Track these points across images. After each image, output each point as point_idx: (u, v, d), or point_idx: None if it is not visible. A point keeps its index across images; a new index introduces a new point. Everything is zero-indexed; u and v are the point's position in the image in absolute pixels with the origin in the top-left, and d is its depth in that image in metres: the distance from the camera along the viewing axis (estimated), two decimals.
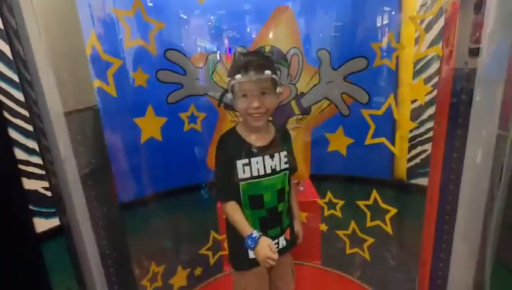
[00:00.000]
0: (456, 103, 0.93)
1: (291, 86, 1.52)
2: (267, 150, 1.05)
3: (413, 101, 1.93)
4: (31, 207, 1.67)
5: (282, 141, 1.11)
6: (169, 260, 1.50)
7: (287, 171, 1.11)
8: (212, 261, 1.65)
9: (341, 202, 1.55)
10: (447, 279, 1.05)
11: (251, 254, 1.08)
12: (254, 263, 1.10)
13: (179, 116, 1.45)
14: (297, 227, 1.23)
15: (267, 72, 0.96)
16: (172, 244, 1.63)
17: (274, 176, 1.07)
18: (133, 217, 1.26)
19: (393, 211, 1.34)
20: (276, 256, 0.98)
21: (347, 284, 1.62)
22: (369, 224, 1.43)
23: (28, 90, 0.91)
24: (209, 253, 1.65)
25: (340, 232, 1.57)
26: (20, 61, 0.90)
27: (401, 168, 2.23)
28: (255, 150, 1.04)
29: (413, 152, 2.16)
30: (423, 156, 2.14)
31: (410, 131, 2.06)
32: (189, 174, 1.93)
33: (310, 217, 1.69)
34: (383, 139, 1.29)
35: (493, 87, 0.85)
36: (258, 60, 0.99)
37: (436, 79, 1.72)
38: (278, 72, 1.03)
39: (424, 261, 1.16)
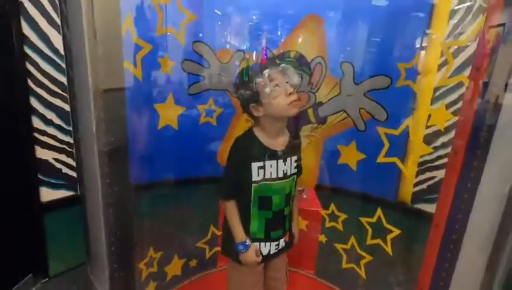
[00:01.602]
0: (477, 135, 0.93)
1: (311, 94, 1.53)
2: (281, 154, 1.07)
3: (427, 127, 1.93)
4: (39, 176, 1.70)
5: (295, 146, 1.13)
6: (167, 247, 1.51)
7: (295, 176, 1.13)
8: (208, 255, 1.66)
9: (344, 216, 1.55)
10: None
11: None
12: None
13: (196, 108, 1.48)
14: (295, 229, 1.25)
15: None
16: (172, 233, 1.64)
17: (284, 180, 1.09)
18: (138, 201, 1.28)
19: (396, 232, 1.34)
20: (259, 259, 1.09)
21: None
22: (369, 242, 1.43)
23: (69, 70, 0.94)
24: (206, 247, 1.66)
25: (339, 246, 1.57)
26: (66, 43, 0.93)
27: (407, 191, 2.22)
28: (271, 154, 1.05)
29: (421, 177, 2.15)
30: (431, 182, 2.12)
31: (421, 156, 2.06)
32: (198, 166, 1.94)
33: (310, 226, 1.70)
34: (396, 159, 1.29)
35: None
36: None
37: (455, 106, 1.72)
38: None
39: (422, 288, 1.16)
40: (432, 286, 1.10)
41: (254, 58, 1.52)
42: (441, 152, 1.98)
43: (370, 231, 1.43)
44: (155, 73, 1.31)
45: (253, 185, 1.06)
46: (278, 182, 1.07)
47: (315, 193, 1.92)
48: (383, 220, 1.37)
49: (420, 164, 2.12)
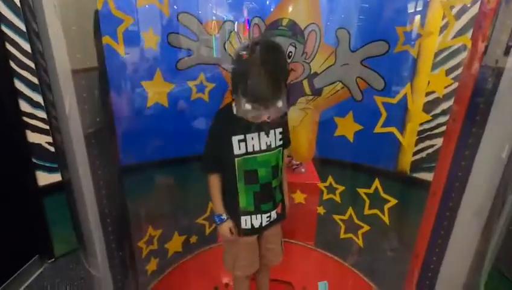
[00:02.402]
0: (476, 101, 0.89)
1: (305, 65, 1.46)
2: (263, 126, 1.04)
3: (427, 94, 1.87)
4: (34, 160, 1.69)
5: (279, 117, 1.07)
6: (166, 225, 1.52)
7: (281, 148, 1.12)
8: (207, 231, 1.69)
9: (341, 188, 1.54)
10: (438, 274, 1.06)
11: (243, 224, 1.13)
12: (245, 232, 1.14)
13: (187, 84, 1.42)
14: (286, 200, 1.25)
15: (279, 103, 0.90)
16: (170, 211, 1.66)
17: (269, 153, 1.08)
18: (133, 181, 1.27)
19: (393, 201, 1.33)
20: (233, 238, 1.13)
21: (337, 267, 1.66)
22: (366, 212, 1.44)
23: (35, 41, 0.88)
24: (206, 223, 1.68)
25: (337, 217, 1.58)
26: (28, 10, 0.87)
27: (406, 160, 2.20)
28: (251, 127, 1.03)
29: (420, 146, 2.12)
30: (430, 150, 2.10)
31: (420, 124, 2.02)
32: (191, 144, 1.92)
33: (309, 199, 1.70)
34: (394, 129, 1.25)
35: None
36: (267, 88, 0.89)
37: (456, 72, 1.66)
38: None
39: (418, 254, 1.17)
40: (427, 252, 1.11)
41: (242, 29, 1.44)
42: (441, 119, 1.94)
43: (367, 201, 1.43)
44: (139, 48, 1.24)
45: (236, 159, 1.05)
46: (262, 154, 1.06)
47: (313, 166, 1.91)
48: (380, 190, 1.36)
49: (420, 132, 2.09)
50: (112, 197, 1.05)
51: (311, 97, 1.51)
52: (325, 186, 1.60)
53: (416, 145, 2.15)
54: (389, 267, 1.60)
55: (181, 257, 1.60)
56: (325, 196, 1.61)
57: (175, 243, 1.56)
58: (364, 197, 1.43)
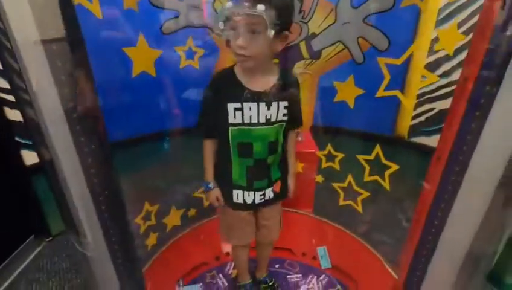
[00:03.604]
0: (492, 58, 0.81)
1: (302, 25, 1.35)
2: (264, 96, 0.95)
3: (430, 54, 1.78)
4: (17, 139, 1.59)
5: (285, 89, 0.99)
6: (163, 200, 1.49)
7: (284, 124, 1.02)
8: (206, 203, 1.67)
9: (340, 155, 1.51)
10: (438, 238, 1.05)
11: (235, 197, 1.09)
12: (238, 206, 1.11)
13: (174, 50, 1.31)
14: (290, 181, 1.20)
15: (260, 7, 0.79)
16: (166, 186, 1.62)
17: (267, 127, 0.98)
18: (126, 157, 1.21)
19: (395, 167, 1.31)
20: (218, 204, 1.12)
21: (335, 233, 1.68)
22: (366, 179, 1.42)
23: None
24: (203, 196, 1.65)
25: (336, 185, 1.57)
26: None
27: (404, 125, 2.17)
28: (249, 95, 0.94)
29: (419, 110, 2.08)
30: (429, 114, 2.06)
31: (420, 88, 1.95)
32: (184, 116, 1.84)
33: (307, 168, 1.68)
34: (397, 92, 1.19)
35: None
36: None
37: (465, 26, 1.56)
38: (281, 12, 0.83)
39: (418, 218, 1.17)
40: (428, 217, 1.10)
41: None
42: (442, 82, 1.87)
43: (368, 168, 1.40)
44: (118, 10, 1.11)
45: (230, 128, 0.97)
46: (259, 127, 0.97)
47: (311, 134, 1.86)
48: (381, 156, 1.33)
49: (419, 96, 2.03)
50: (102, 175, 0.98)
51: (309, 61, 1.41)
52: (323, 155, 1.57)
53: (414, 109, 2.10)
54: (388, 232, 1.63)
55: (181, 230, 1.59)
56: (324, 164, 1.58)
57: (173, 217, 1.55)
58: (365, 163, 1.41)
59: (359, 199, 1.49)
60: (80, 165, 0.92)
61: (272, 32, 0.82)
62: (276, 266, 1.63)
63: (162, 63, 1.23)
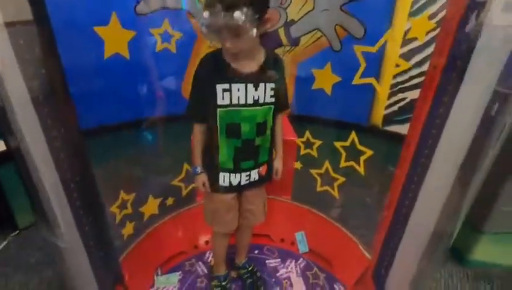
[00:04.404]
0: (459, 47, 0.85)
1: (281, 11, 1.35)
2: (251, 77, 0.96)
3: (403, 45, 1.85)
4: None
5: (272, 71, 1.01)
6: (140, 189, 1.45)
7: (272, 106, 1.04)
8: (184, 192, 1.65)
9: (318, 142, 1.54)
10: (408, 220, 1.11)
11: (221, 180, 1.10)
12: (224, 189, 1.12)
13: (150, 32, 1.25)
14: (277, 164, 1.23)
15: (237, 14, 0.79)
16: (143, 174, 1.58)
17: (255, 108, 1.00)
18: (101, 145, 1.16)
19: (369, 153, 1.36)
20: (204, 189, 1.13)
21: (313, 218, 1.72)
22: (343, 164, 1.46)
23: None
24: (182, 184, 1.63)
25: (314, 171, 1.60)
26: None
27: (378, 114, 2.25)
28: (237, 76, 0.95)
29: (393, 99, 2.16)
30: (402, 103, 2.15)
31: (393, 77, 2.02)
32: (160, 102, 1.79)
33: (286, 155, 1.69)
34: (372, 80, 1.22)
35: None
36: None
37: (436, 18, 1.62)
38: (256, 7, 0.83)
39: (390, 201, 1.22)
40: (399, 200, 1.15)
41: None
42: (414, 72, 1.95)
43: (344, 154, 1.44)
44: None
45: (219, 109, 0.98)
46: (247, 108, 0.99)
47: (289, 122, 1.87)
48: (357, 142, 1.38)
49: (392, 86, 2.11)
50: (73, 161, 0.94)
51: (288, 48, 1.41)
52: (302, 142, 1.59)
53: (388, 99, 2.18)
54: (363, 216, 1.70)
55: (158, 219, 1.56)
56: (302, 151, 1.61)
57: (150, 206, 1.51)
58: (341, 149, 1.44)
59: (335, 184, 1.54)
60: (48, 150, 0.87)
61: (255, 30, 0.85)
62: (256, 251, 1.66)
63: (136, 45, 1.18)
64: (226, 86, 0.95)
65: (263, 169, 1.16)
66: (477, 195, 0.98)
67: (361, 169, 1.40)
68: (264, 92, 0.99)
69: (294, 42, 1.39)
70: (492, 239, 1.55)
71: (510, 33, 0.75)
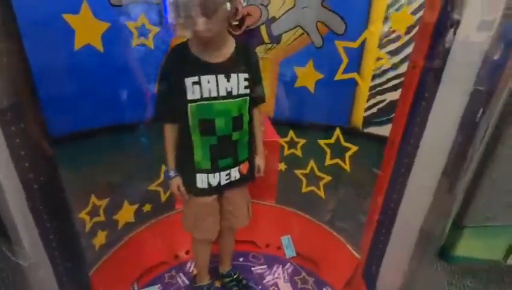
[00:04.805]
0: (437, 44, 0.87)
1: (262, 8, 1.34)
2: (221, 68, 0.92)
3: (380, 47, 1.90)
4: None
5: (243, 61, 0.97)
6: (114, 194, 1.34)
7: (247, 98, 1.00)
8: (163, 198, 1.54)
9: (302, 141, 1.52)
10: (395, 217, 1.08)
11: (199, 182, 1.03)
12: (203, 192, 1.05)
13: (126, 25, 1.19)
14: (259, 161, 1.18)
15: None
16: (118, 179, 1.46)
17: (229, 100, 0.95)
18: (71, 152, 1.06)
19: (354, 148, 1.35)
20: (183, 196, 1.07)
21: (299, 220, 1.67)
22: (328, 162, 1.44)
23: None
24: (160, 189, 1.53)
25: (298, 172, 1.57)
26: None
27: (358, 116, 2.28)
28: (206, 67, 0.91)
29: (372, 101, 2.21)
30: (380, 105, 2.20)
31: (372, 80, 2.07)
32: (138, 105, 1.69)
33: (269, 157, 1.65)
34: (355, 75, 1.23)
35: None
36: None
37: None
38: None
39: (376, 200, 1.20)
40: (385, 199, 1.13)
41: None
42: (391, 74, 2.01)
43: (328, 151, 1.42)
44: None
45: (189, 104, 0.92)
46: (220, 102, 0.94)
47: (271, 124, 1.84)
48: (341, 138, 1.36)
49: (371, 88, 2.16)
50: (38, 169, 0.84)
51: (269, 46, 1.40)
52: (285, 142, 1.56)
53: (367, 101, 2.22)
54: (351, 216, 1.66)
55: (135, 228, 1.44)
56: (286, 152, 1.57)
57: (125, 213, 1.39)
58: (326, 147, 1.43)
59: (321, 183, 1.51)
60: (10, 157, 0.77)
61: (228, 4, 0.82)
62: (240, 259, 1.57)
63: (111, 38, 1.11)
64: (195, 78, 0.90)
65: (244, 167, 1.09)
66: None
67: (347, 166, 1.38)
68: (238, 83, 0.95)
69: (276, 40, 1.38)
70: (473, 233, 1.58)
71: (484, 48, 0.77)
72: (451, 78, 0.85)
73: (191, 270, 1.48)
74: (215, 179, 1.04)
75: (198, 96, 0.91)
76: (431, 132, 0.92)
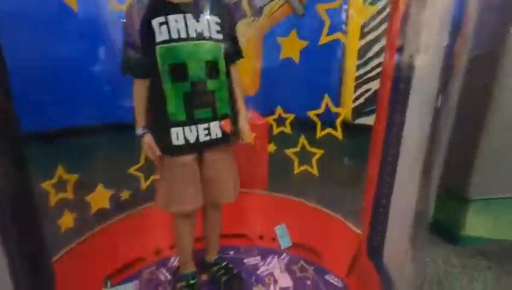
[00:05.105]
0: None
1: None
2: (189, 8, 0.89)
3: (361, 38, 1.94)
4: None
5: (211, 3, 0.94)
6: (85, 171, 1.20)
7: (221, 44, 0.95)
8: (144, 184, 1.40)
9: (291, 117, 1.45)
10: (390, 201, 1.01)
11: (174, 138, 0.94)
12: (179, 149, 0.95)
13: None
14: (243, 124, 1.07)
15: None
16: (91, 155, 1.33)
17: (200, 42, 0.90)
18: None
19: (343, 112, 1.29)
20: (152, 153, 0.98)
21: (293, 206, 1.54)
22: (319, 135, 1.36)
23: None
24: (141, 175, 1.40)
25: (289, 151, 1.48)
26: None
27: (347, 107, 2.26)
28: (173, 7, 0.88)
29: (359, 91, 2.20)
30: (367, 95, 2.19)
31: (357, 70, 2.09)
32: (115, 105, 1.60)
33: (258, 142, 1.57)
34: (339, 35, 1.22)
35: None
36: None
37: None
38: None
39: (371, 179, 1.11)
40: (379, 180, 1.05)
41: None
42: (375, 62, 2.03)
43: (319, 123, 1.36)
44: None
45: (157, 47, 0.87)
46: (190, 42, 0.89)
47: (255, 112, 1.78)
48: (331, 105, 1.31)
49: (357, 78, 2.16)
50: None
51: (251, 19, 1.39)
52: (274, 120, 1.49)
53: (354, 91, 2.21)
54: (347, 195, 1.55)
55: (110, 216, 1.29)
56: (275, 130, 1.50)
57: (99, 197, 1.24)
58: (316, 119, 1.36)
59: (314, 159, 1.41)
60: None
61: None
62: (231, 252, 1.40)
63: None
64: (162, 19, 0.87)
65: (226, 124, 1.00)
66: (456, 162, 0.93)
67: (339, 134, 1.30)
68: (208, 26, 0.91)
69: (258, 13, 1.38)
70: (480, 208, 1.47)
71: None
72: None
73: (174, 265, 1.30)
74: (192, 133, 0.94)
75: (166, 37, 0.87)
76: (412, 115, 0.90)
